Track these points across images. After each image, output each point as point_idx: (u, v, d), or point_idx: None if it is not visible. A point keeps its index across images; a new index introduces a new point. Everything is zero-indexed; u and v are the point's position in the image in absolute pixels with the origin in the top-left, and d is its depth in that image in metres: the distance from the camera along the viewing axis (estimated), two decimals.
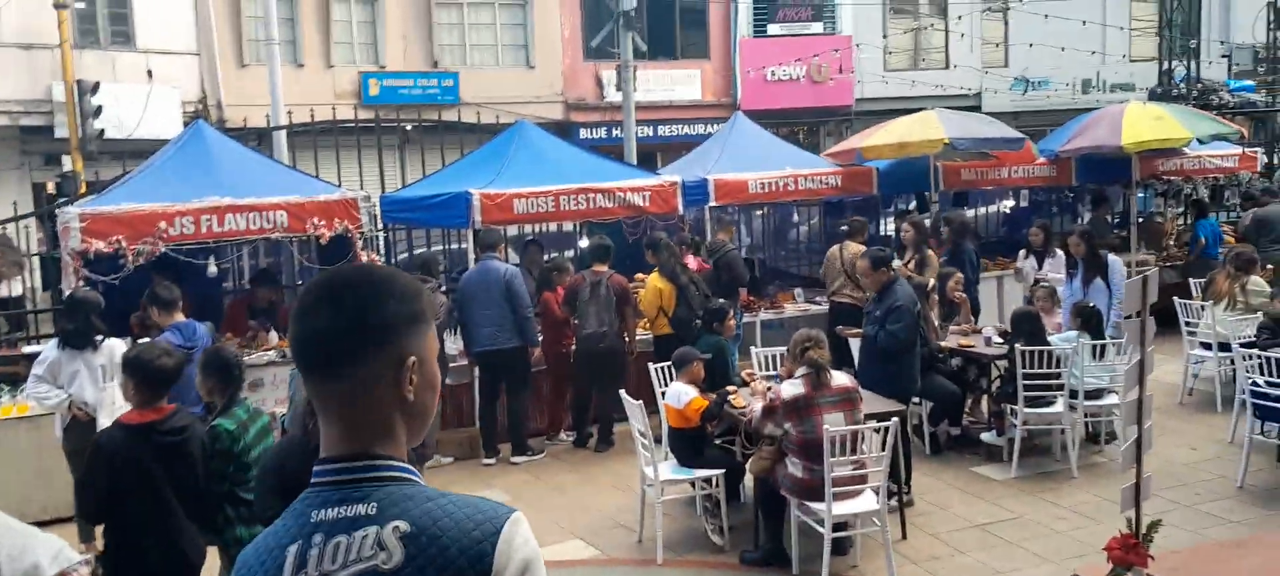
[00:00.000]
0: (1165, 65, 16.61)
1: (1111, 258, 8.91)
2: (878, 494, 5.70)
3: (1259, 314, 8.33)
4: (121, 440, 4.17)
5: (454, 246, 11.15)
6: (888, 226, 12.14)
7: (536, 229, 10.90)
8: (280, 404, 7.66)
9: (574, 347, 8.54)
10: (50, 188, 15.03)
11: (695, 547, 6.41)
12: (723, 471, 6.33)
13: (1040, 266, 9.91)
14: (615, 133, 19.02)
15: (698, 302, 8.29)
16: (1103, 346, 7.32)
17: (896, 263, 9.17)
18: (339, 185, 9.44)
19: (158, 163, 8.77)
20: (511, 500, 7.54)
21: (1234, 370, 8.28)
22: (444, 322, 8.20)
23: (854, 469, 5.62)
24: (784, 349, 7.24)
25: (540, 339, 8.42)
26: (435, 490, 1.50)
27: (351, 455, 1.48)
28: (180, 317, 6.42)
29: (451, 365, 8.59)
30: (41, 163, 16.16)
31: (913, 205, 12.27)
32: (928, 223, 10.15)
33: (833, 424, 5.53)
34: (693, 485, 6.56)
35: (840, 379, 5.83)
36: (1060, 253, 9.84)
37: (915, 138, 10.48)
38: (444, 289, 8.95)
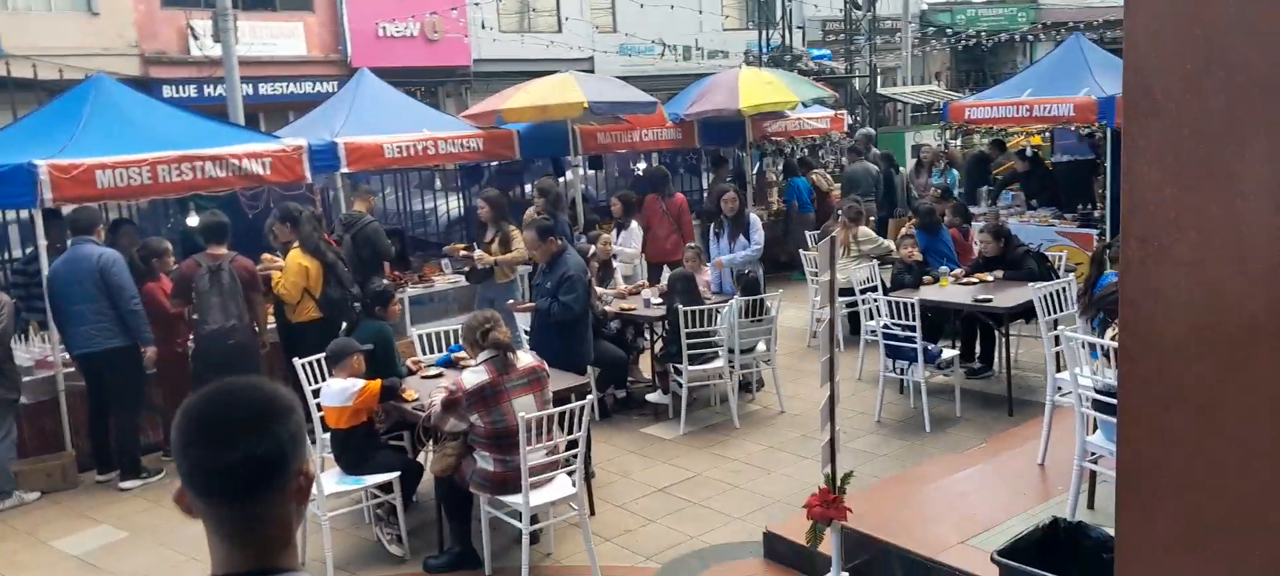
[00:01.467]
0: (761, 35, 18.07)
1: (752, 215, 9.36)
2: (573, 478, 5.35)
3: (870, 260, 9.22)
4: None
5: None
6: (529, 190, 11.80)
7: (127, 207, 9.12)
8: None
9: (192, 346, 7.24)
10: None
11: (371, 562, 5.65)
12: (398, 474, 5.60)
13: (618, 237, 9.67)
14: (208, 91, 16.90)
15: (348, 281, 7.37)
16: (759, 303, 7.58)
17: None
18: None
19: None
20: (128, 535, 6.22)
21: (852, 312, 9.09)
22: (8, 327, 6.57)
23: (548, 454, 5.22)
24: (451, 327, 6.67)
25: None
26: None
27: (256, 573, 1.44)
28: None
29: (26, 379, 6.96)
30: None
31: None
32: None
33: (523, 408, 5.07)
34: (363, 494, 5.76)
35: (525, 359, 5.40)
36: (635, 225, 9.81)
37: (556, 101, 10.25)
38: (4, 287, 7.22)
